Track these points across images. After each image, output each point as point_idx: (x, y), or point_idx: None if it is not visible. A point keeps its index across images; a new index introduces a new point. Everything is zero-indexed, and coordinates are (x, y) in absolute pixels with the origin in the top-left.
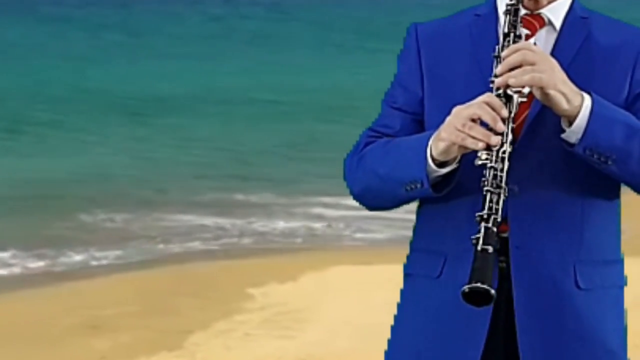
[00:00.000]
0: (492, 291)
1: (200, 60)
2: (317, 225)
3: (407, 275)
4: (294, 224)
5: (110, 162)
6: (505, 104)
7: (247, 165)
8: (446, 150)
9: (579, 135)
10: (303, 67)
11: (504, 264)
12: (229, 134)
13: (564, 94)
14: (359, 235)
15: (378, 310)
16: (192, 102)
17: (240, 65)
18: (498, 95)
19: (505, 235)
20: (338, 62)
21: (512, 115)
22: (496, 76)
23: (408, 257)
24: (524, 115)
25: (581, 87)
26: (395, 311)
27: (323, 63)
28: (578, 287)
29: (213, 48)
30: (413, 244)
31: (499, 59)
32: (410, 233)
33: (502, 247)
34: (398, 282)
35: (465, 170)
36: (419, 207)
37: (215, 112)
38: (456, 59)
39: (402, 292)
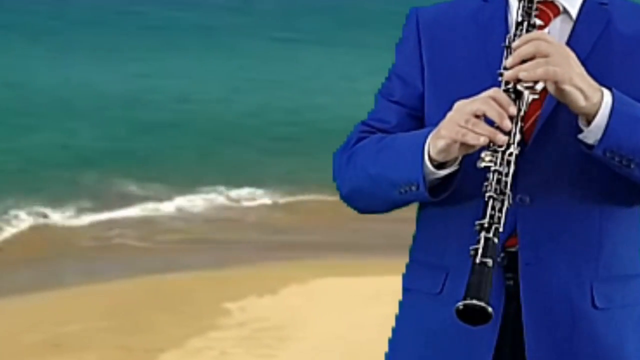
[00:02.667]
0: (490, 309)
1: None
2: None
3: (406, 290)
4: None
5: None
6: (514, 100)
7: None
8: (445, 149)
9: (598, 136)
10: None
11: (511, 282)
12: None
13: (581, 90)
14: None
15: (368, 325)
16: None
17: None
18: (507, 91)
19: (514, 249)
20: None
21: (522, 113)
22: (505, 69)
23: (407, 269)
24: (535, 115)
25: (600, 82)
26: (387, 326)
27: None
28: (595, 307)
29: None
30: (412, 255)
31: (509, 50)
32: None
33: (511, 263)
34: (388, 295)
35: (469, 174)
36: (419, 213)
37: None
38: (461, 49)
39: (401, 307)
